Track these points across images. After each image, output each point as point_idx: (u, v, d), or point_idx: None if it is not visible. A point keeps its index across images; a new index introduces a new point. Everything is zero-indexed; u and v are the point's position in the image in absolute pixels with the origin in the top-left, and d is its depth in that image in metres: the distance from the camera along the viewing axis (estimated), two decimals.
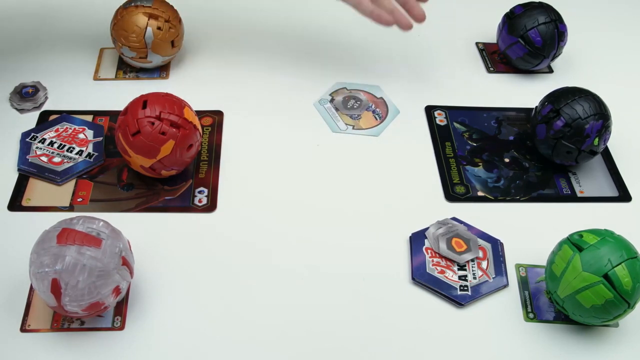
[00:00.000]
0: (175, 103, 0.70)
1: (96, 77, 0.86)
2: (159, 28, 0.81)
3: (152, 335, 0.62)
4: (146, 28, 0.81)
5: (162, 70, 0.87)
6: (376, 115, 0.83)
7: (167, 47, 0.83)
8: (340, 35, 0.95)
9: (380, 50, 0.93)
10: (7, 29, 0.92)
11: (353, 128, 0.82)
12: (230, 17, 0.97)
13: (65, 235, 0.57)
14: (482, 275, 0.67)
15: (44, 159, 0.75)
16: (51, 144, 0.76)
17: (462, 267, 0.68)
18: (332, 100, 0.85)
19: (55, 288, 0.57)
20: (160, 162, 0.70)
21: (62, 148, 0.76)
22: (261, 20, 0.97)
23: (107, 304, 0.59)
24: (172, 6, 0.84)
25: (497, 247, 0.70)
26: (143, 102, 0.70)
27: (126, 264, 0.60)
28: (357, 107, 0.84)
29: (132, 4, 0.82)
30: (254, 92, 0.86)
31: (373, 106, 0.84)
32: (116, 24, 0.82)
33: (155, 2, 0.82)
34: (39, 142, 0.76)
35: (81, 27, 0.92)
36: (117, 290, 0.59)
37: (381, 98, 0.85)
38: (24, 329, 0.62)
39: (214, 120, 0.82)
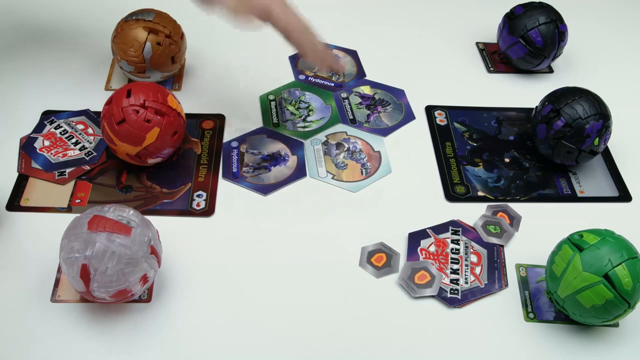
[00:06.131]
0: (159, 91, 0.71)
1: (107, 88, 0.85)
2: (158, 43, 0.79)
3: (143, 338, 0.62)
4: (145, 43, 0.78)
5: (174, 82, 0.87)
6: (363, 170, 0.77)
7: (166, 63, 0.81)
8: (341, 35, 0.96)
9: (381, 50, 0.94)
10: (20, 37, 0.92)
11: (333, 177, 0.76)
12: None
13: (96, 222, 0.58)
14: (475, 280, 0.67)
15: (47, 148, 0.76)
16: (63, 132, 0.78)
17: (455, 271, 0.68)
18: (325, 142, 0.80)
19: (85, 273, 0.58)
20: (145, 150, 0.70)
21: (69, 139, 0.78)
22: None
23: (135, 291, 0.60)
24: (174, 21, 0.81)
25: (493, 252, 0.70)
26: (127, 90, 0.70)
27: (154, 253, 0.61)
28: (347, 155, 0.77)
29: (133, 17, 0.79)
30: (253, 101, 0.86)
31: (365, 159, 0.78)
32: (116, 36, 0.80)
33: (157, 17, 0.80)
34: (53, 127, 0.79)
35: (96, 36, 0.90)
36: (144, 278, 0.60)
37: (378, 152, 0.79)
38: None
39: (215, 124, 0.81)
